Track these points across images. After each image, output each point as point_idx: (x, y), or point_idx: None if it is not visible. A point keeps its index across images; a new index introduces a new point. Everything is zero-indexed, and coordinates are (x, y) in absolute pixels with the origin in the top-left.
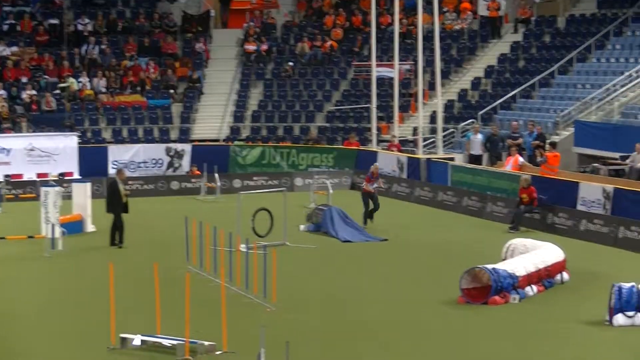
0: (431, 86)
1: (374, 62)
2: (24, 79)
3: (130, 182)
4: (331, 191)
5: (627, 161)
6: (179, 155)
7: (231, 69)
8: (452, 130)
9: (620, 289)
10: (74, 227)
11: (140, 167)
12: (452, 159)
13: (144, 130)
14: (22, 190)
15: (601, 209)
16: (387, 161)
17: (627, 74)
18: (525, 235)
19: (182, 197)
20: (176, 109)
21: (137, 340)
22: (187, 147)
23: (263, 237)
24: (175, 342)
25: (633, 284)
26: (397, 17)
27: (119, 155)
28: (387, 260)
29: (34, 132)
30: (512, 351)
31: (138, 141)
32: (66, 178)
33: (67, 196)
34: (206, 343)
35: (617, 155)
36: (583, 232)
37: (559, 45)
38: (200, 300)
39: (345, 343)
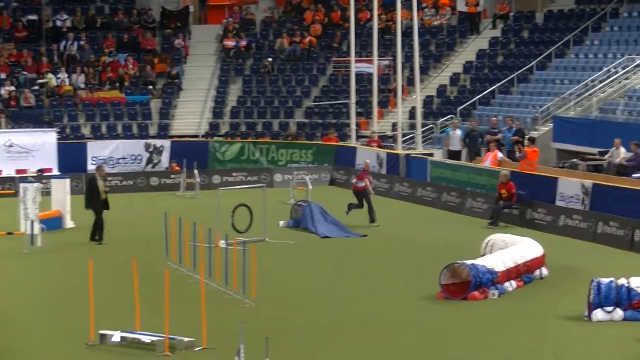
0: (410, 82)
1: (352, 57)
2: (3, 75)
3: (109, 178)
4: (310, 187)
5: (606, 156)
6: (158, 151)
7: (210, 64)
8: (431, 125)
9: (599, 284)
10: (53, 223)
11: (119, 163)
12: (431, 155)
13: (123, 126)
14: (1, 186)
15: (580, 204)
16: (366, 157)
17: (605, 69)
18: (504, 230)
19: (161, 193)
20: (155, 105)
21: (116, 336)
22: (166, 143)
23: (242, 233)
24: (154, 339)
25: (612, 279)
26: (375, 12)
27: (98, 151)
28: (366, 256)
29: (12, 128)
30: (491, 347)
31: (117, 137)
32: (45, 174)
33: (46, 192)
34: (185, 339)
35: (595, 150)
36: (562, 227)
37: (537, 41)
38: (180, 296)
39: (324, 339)
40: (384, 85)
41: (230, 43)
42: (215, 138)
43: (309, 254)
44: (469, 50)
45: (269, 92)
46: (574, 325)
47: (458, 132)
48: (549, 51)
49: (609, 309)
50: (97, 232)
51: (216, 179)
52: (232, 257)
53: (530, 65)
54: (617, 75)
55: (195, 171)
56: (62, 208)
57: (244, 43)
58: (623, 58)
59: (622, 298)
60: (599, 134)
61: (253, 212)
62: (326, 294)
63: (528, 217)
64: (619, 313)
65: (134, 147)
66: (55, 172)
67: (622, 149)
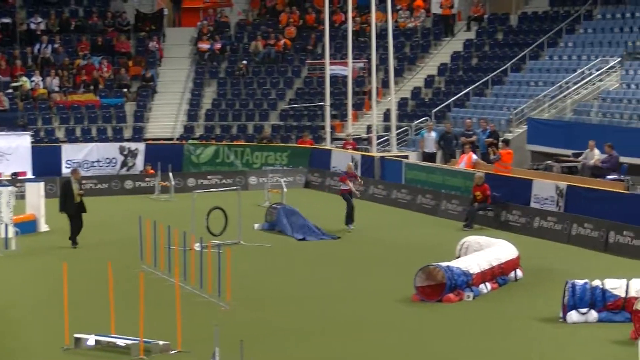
0: (385, 84)
1: (327, 60)
2: None
3: (84, 182)
4: (285, 190)
5: (580, 158)
6: (133, 154)
7: (185, 67)
8: (406, 128)
9: (573, 286)
10: (27, 227)
11: (93, 166)
12: (406, 157)
13: (97, 129)
14: None
15: (554, 206)
16: (341, 159)
17: (579, 71)
18: (479, 232)
19: (136, 197)
20: (130, 107)
21: (91, 340)
22: (140, 146)
23: (217, 236)
24: (129, 342)
25: (586, 281)
26: (350, 15)
27: (73, 154)
28: (342, 259)
29: None
30: (466, 349)
31: (91, 140)
32: (19, 177)
33: (21, 196)
34: (161, 342)
35: (570, 152)
36: (536, 229)
37: (511, 43)
38: (155, 299)
39: (300, 341)
40: (359, 87)
41: (204, 46)
42: (190, 141)
43: (284, 257)
44: (443, 53)
45: (243, 94)
46: (549, 326)
47: (433, 134)
48: (523, 53)
49: (584, 310)
50: (75, 234)
51: (191, 182)
52: (207, 260)
53: (504, 67)
54: (591, 77)
55: (170, 174)
56: (36, 212)
57: (218, 46)
58: (597, 60)
59: (596, 299)
60: (573, 136)
61: (228, 215)
62: (301, 296)
63: (503, 219)
64: (593, 314)
65: (109, 150)
66: (30, 175)
67: (597, 151)
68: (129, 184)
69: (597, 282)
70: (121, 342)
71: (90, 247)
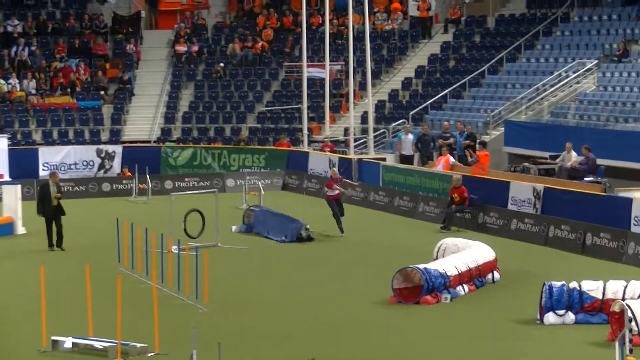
0: (362, 86)
1: (304, 62)
2: None
3: (61, 184)
4: (263, 192)
5: (557, 160)
6: (110, 156)
7: (162, 70)
8: (384, 130)
9: (551, 287)
10: (4, 230)
11: (71, 168)
12: (383, 159)
13: (74, 131)
14: None
15: (531, 208)
16: (319, 162)
17: (556, 73)
18: (456, 234)
19: (113, 199)
20: (107, 110)
21: (68, 342)
22: (118, 149)
23: (195, 239)
24: (107, 345)
25: (563, 282)
26: (327, 17)
27: (50, 157)
28: (319, 261)
29: None
30: (444, 351)
31: (69, 143)
32: None
33: None
34: (138, 345)
35: (547, 154)
36: (514, 231)
37: (488, 45)
38: (132, 302)
39: (277, 343)
40: (336, 90)
41: (182, 48)
42: (167, 143)
43: (262, 259)
44: (420, 55)
45: (221, 97)
46: (526, 328)
47: (410, 136)
48: (501, 55)
49: (561, 312)
50: (60, 238)
51: (168, 184)
52: (185, 262)
53: (481, 69)
54: (568, 79)
55: (147, 176)
56: (13, 214)
57: (195, 48)
58: (574, 62)
59: (573, 301)
60: (550, 138)
61: (205, 218)
62: (279, 299)
63: (480, 221)
64: (570, 316)
65: (86, 152)
66: (7, 178)
67: (574, 153)
68: (106, 187)
69: (574, 284)
70: (99, 345)
71: (67, 250)
